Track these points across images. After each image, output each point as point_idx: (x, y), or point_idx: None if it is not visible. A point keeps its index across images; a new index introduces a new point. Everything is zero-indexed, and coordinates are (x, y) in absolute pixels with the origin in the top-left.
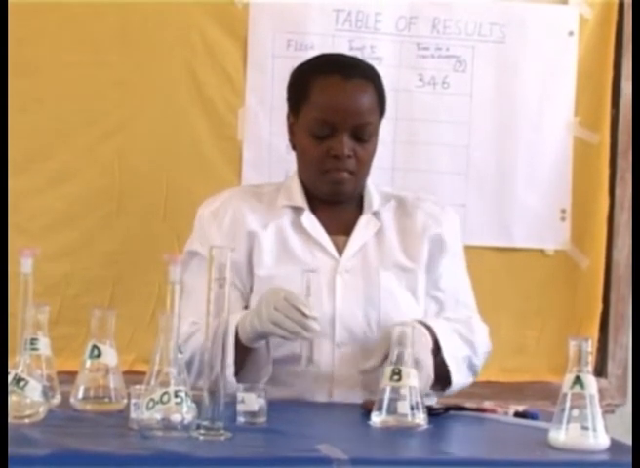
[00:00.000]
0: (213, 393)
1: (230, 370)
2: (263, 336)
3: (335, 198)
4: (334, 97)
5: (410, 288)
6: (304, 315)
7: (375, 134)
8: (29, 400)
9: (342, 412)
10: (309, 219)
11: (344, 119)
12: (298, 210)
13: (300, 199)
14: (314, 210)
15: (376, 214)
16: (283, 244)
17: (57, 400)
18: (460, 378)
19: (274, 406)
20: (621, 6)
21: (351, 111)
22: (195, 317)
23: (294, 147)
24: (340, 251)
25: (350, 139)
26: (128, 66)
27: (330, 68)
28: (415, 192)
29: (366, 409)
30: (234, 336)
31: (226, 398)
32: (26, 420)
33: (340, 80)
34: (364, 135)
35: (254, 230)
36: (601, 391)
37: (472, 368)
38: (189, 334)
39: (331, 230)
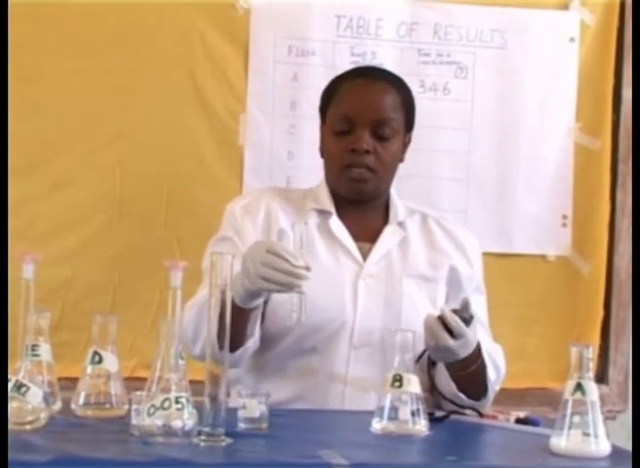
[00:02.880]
0: (214, 399)
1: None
2: (257, 294)
3: (356, 196)
4: (356, 94)
5: (430, 298)
6: (292, 265)
7: (397, 135)
8: (30, 406)
9: (344, 419)
10: (336, 223)
11: (364, 114)
12: (325, 214)
13: (327, 203)
14: (341, 215)
15: (401, 224)
16: (308, 245)
17: (58, 406)
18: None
19: (275, 411)
20: (622, 12)
21: (371, 107)
22: None
23: (322, 154)
24: (365, 257)
25: (371, 137)
26: (129, 72)
27: (356, 73)
28: (437, 210)
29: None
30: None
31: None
32: (27, 426)
33: (364, 81)
34: (384, 132)
35: (283, 228)
36: (602, 397)
37: (493, 392)
38: (197, 300)
39: (356, 236)
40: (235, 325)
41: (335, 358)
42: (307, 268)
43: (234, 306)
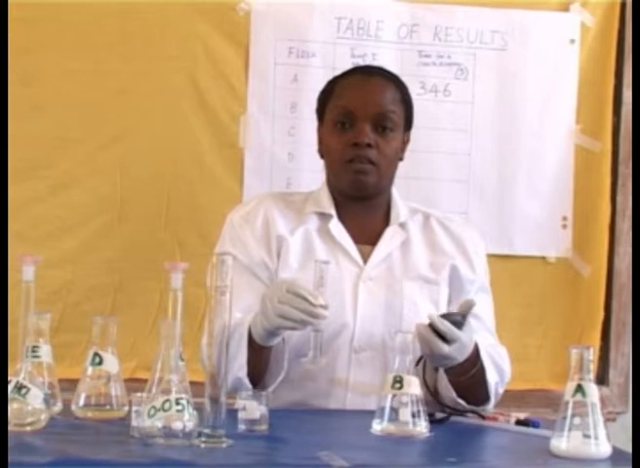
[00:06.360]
0: (214, 400)
1: (243, 371)
2: (274, 332)
3: (358, 191)
4: (355, 88)
5: (432, 299)
6: (311, 303)
7: (398, 130)
8: (31, 407)
9: (344, 420)
10: (336, 226)
11: (365, 107)
12: (325, 217)
13: (328, 206)
14: (342, 218)
15: (402, 225)
16: (308, 249)
17: (58, 407)
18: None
19: (276, 413)
20: (623, 13)
21: (372, 100)
22: (240, 313)
23: (322, 155)
24: (366, 259)
25: (372, 131)
26: (129, 74)
27: (353, 70)
28: (442, 212)
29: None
30: (248, 338)
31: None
32: (28, 428)
33: (363, 77)
34: (386, 125)
35: (282, 234)
36: (603, 399)
37: (496, 395)
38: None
39: (357, 239)
40: (260, 361)
41: (336, 362)
42: (325, 307)
43: (256, 345)
